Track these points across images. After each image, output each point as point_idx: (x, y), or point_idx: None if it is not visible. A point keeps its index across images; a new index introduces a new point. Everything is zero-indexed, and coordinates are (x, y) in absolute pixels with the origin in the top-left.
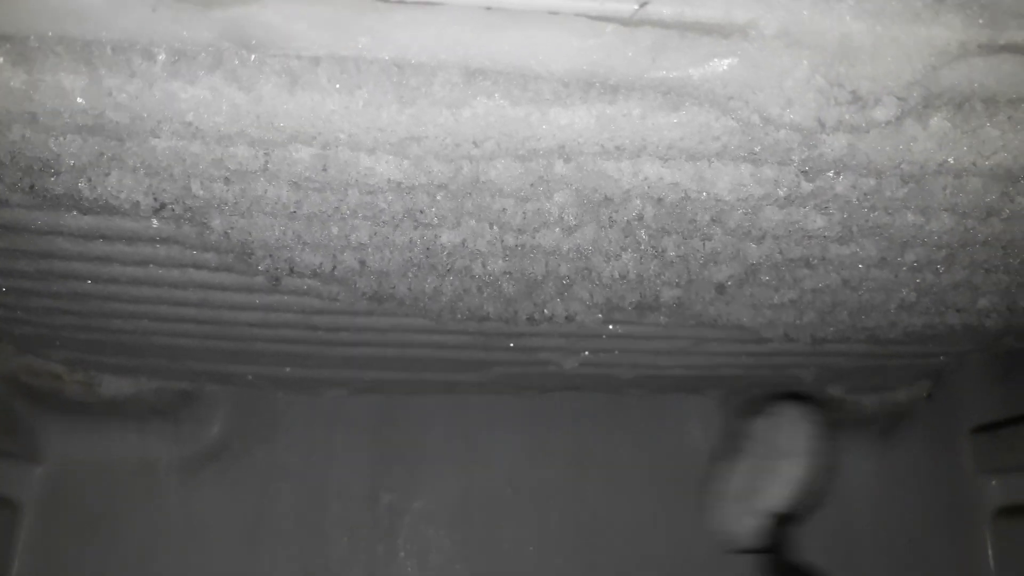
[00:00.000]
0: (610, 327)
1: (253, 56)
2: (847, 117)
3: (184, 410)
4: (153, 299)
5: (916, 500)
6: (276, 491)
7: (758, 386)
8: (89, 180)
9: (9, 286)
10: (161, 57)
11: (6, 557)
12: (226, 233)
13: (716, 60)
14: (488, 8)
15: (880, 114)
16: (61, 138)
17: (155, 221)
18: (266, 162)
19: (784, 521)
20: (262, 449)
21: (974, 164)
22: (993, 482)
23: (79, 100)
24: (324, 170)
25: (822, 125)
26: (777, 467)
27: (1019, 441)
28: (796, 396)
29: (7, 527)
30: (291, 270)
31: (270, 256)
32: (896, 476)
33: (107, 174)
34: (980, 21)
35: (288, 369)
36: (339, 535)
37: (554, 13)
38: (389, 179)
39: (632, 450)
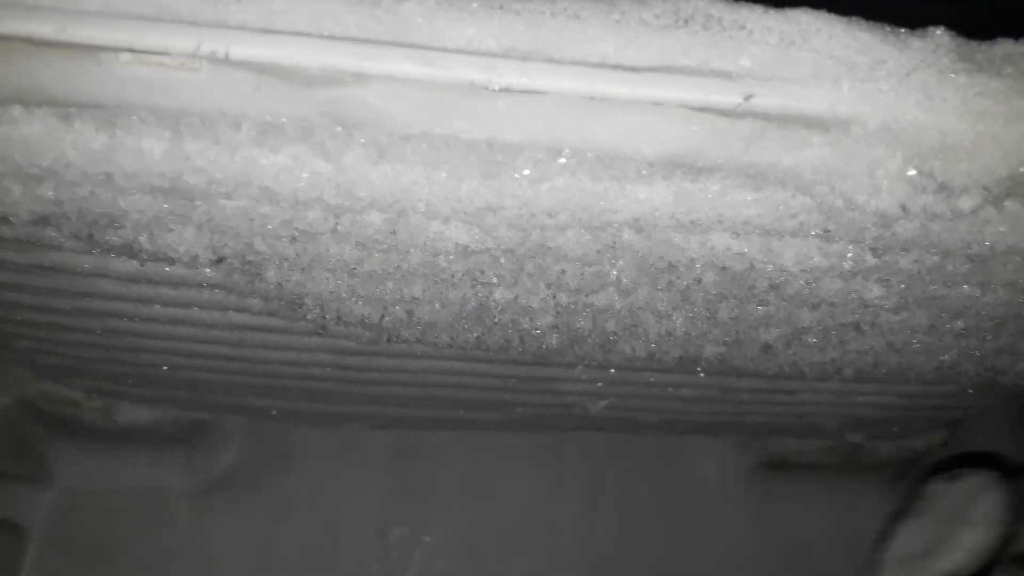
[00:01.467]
0: (650, 377)
1: (342, 129)
2: (932, 206)
3: (198, 439)
4: (188, 338)
5: None
6: (287, 522)
7: (780, 432)
8: (151, 234)
9: (44, 321)
10: (247, 127)
11: None
12: (279, 284)
13: (811, 149)
14: (592, 98)
15: (965, 203)
16: (132, 196)
17: (208, 270)
18: (336, 224)
19: None
20: (275, 480)
21: None
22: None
23: (158, 164)
24: (393, 233)
25: (905, 212)
26: (958, 534)
27: None
28: (984, 459)
29: (15, 552)
30: (339, 319)
31: (320, 307)
32: None
33: (170, 230)
34: None
35: (311, 403)
36: (349, 568)
37: (658, 104)
38: (457, 243)
39: (645, 488)
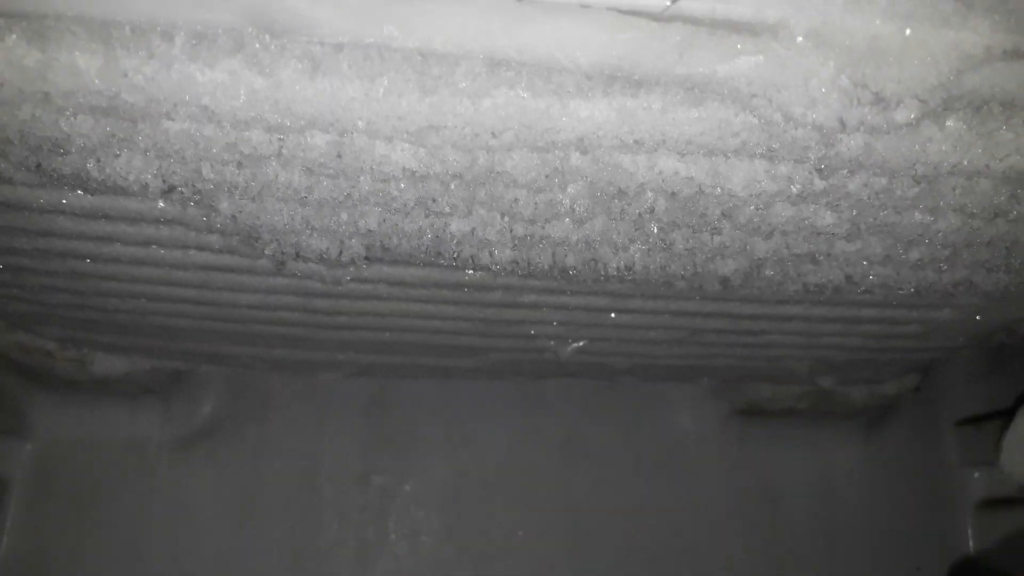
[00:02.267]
0: (612, 315)
1: (274, 41)
2: (868, 118)
3: (176, 389)
4: (152, 279)
5: (901, 491)
6: (267, 471)
7: (752, 377)
8: (98, 161)
9: (5, 263)
10: (180, 39)
11: None
12: (234, 216)
13: (743, 58)
14: (519, 0)
15: (900, 116)
16: (73, 118)
17: (161, 202)
18: (280, 147)
19: None
20: (253, 429)
21: (987, 166)
22: (976, 474)
23: (94, 81)
24: (339, 157)
25: (843, 125)
26: None
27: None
28: None
29: None
30: (297, 255)
31: (276, 240)
32: (881, 466)
33: (117, 155)
34: (1007, 26)
35: (284, 351)
36: (329, 516)
37: (586, 7)
38: (404, 167)
39: (622, 436)
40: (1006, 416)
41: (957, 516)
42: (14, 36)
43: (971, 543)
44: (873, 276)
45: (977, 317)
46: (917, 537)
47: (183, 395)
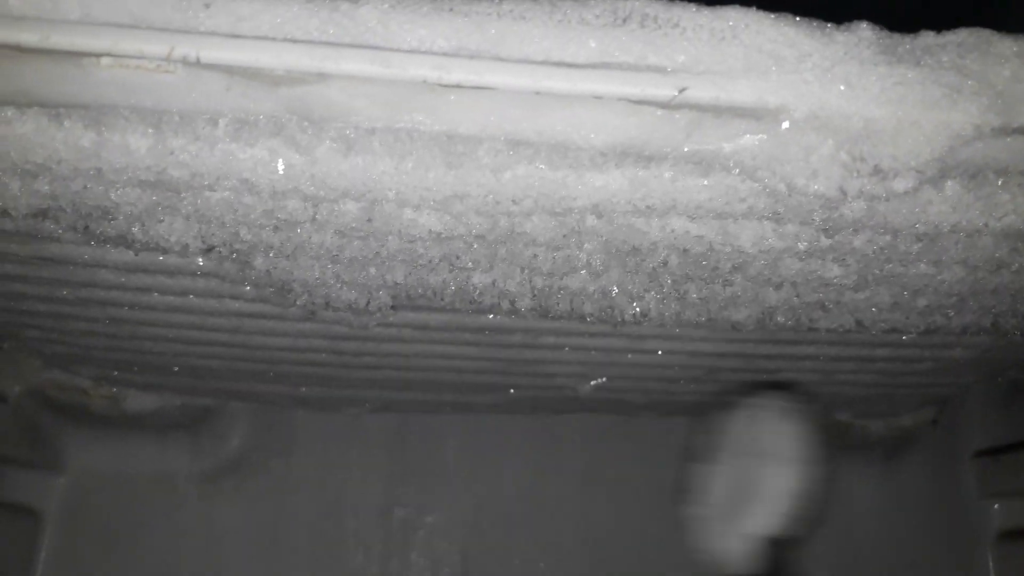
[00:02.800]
0: (628, 356)
1: (312, 126)
2: (868, 188)
3: (204, 424)
4: (187, 325)
5: (920, 523)
6: (292, 505)
7: None
8: (143, 225)
9: (48, 311)
10: (223, 123)
11: (29, 565)
12: (268, 272)
13: (747, 136)
14: (537, 93)
15: (899, 185)
16: (122, 190)
17: (200, 259)
18: (314, 214)
19: (778, 544)
20: (279, 463)
21: (986, 225)
22: (995, 506)
23: (144, 159)
24: (369, 221)
25: (844, 194)
26: (762, 477)
27: (1021, 466)
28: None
29: (30, 536)
30: (327, 305)
31: (308, 292)
32: (900, 499)
33: (160, 220)
34: (994, 108)
35: (310, 388)
36: (353, 549)
37: (599, 97)
38: (430, 230)
39: (640, 470)
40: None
41: (977, 548)
42: (72, 120)
43: (992, 575)
44: (883, 322)
45: (987, 355)
46: (938, 570)
47: (211, 430)
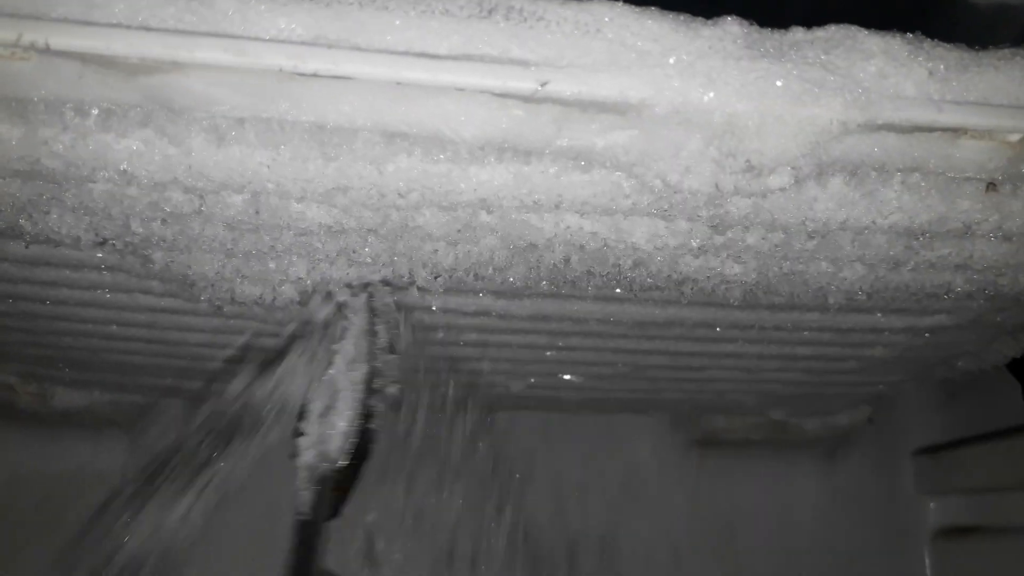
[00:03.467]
0: (548, 353)
1: (178, 116)
2: (743, 184)
3: (138, 422)
4: (102, 319)
5: (858, 520)
6: (230, 503)
7: (705, 409)
8: (30, 217)
9: None
10: (93, 112)
11: None
12: (167, 265)
13: (617, 131)
14: (398, 84)
15: (775, 182)
16: (0, 180)
17: (98, 252)
18: (200, 205)
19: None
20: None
21: (874, 222)
22: (932, 504)
23: (15, 149)
24: (256, 213)
25: (720, 191)
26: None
27: (958, 464)
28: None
29: None
30: (232, 299)
31: (211, 286)
32: (839, 497)
33: (47, 212)
34: (859, 103)
35: None
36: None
37: (460, 89)
38: (320, 223)
39: (581, 467)
40: (961, 446)
41: (915, 545)
42: None
43: (928, 572)
44: (793, 319)
45: (909, 354)
46: (875, 566)
47: (145, 428)
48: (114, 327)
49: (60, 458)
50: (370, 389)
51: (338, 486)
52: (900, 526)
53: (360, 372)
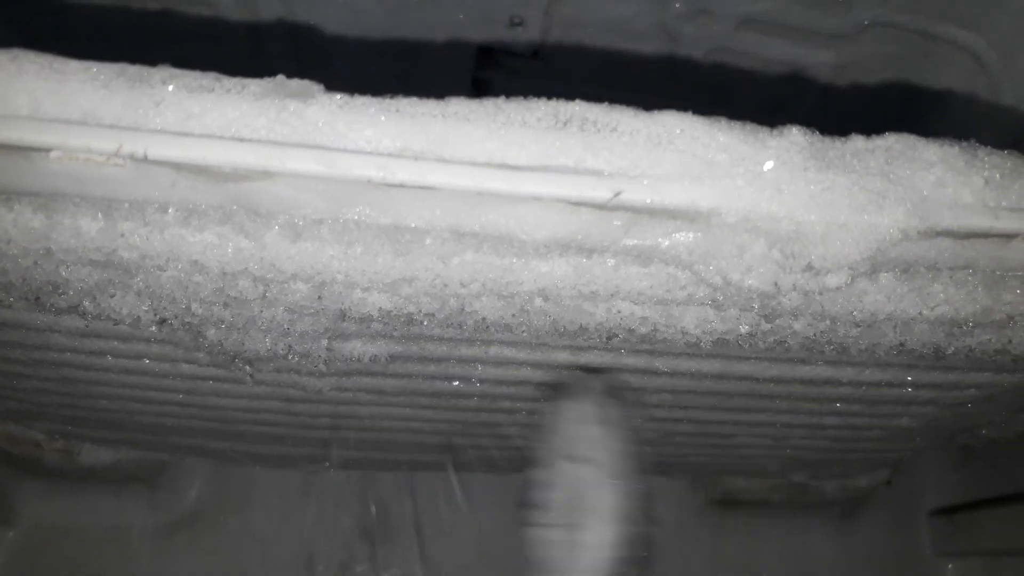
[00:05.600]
0: None
1: (260, 218)
2: (801, 283)
3: (160, 478)
4: (141, 386)
5: None
6: (248, 561)
7: (726, 471)
8: (94, 299)
9: (1, 369)
10: (172, 211)
11: None
12: (220, 342)
13: (682, 234)
14: (479, 193)
15: (832, 281)
16: (72, 267)
17: (153, 328)
18: (264, 292)
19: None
20: (236, 519)
21: (920, 314)
22: (950, 565)
23: (94, 240)
24: (319, 299)
25: (778, 288)
26: (586, 486)
27: (975, 526)
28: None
29: None
30: (278, 372)
31: (261, 361)
32: (856, 557)
33: (112, 295)
34: (919, 213)
35: (267, 446)
36: None
37: (538, 198)
38: (380, 308)
39: None
40: (979, 508)
41: None
42: (21, 204)
43: None
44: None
45: (935, 423)
46: None
47: (168, 484)
48: (151, 392)
49: (83, 512)
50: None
51: None
52: None
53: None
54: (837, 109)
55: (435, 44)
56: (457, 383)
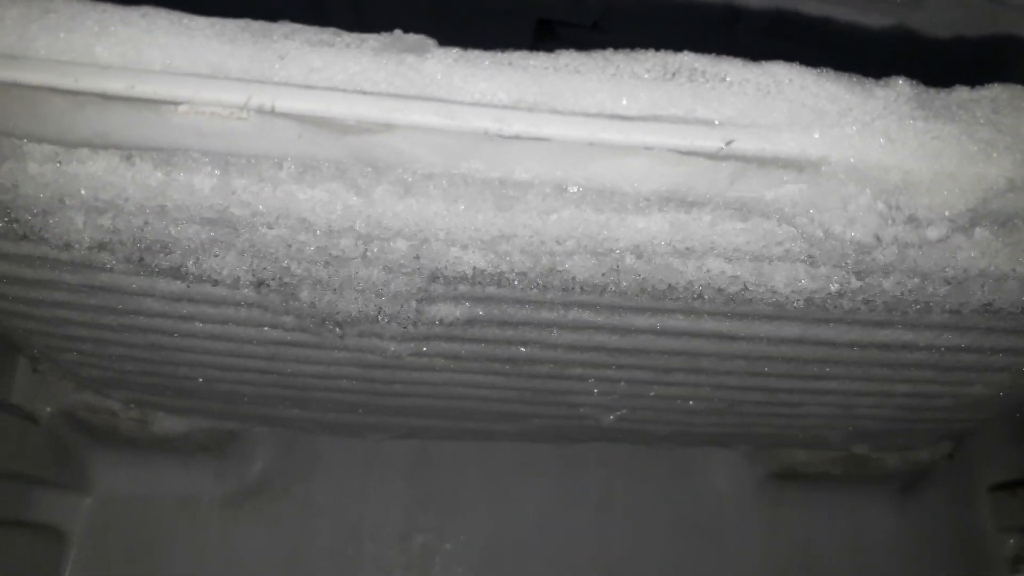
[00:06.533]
0: (653, 389)
1: (372, 170)
2: (902, 235)
3: (228, 448)
4: (224, 352)
5: (935, 555)
6: (313, 529)
7: (787, 443)
8: (197, 259)
9: (90, 336)
10: (288, 165)
11: None
12: (312, 303)
13: (789, 186)
14: (591, 144)
15: (932, 233)
16: (182, 225)
17: (246, 290)
18: (365, 251)
19: None
20: (301, 488)
21: (1013, 270)
22: (1011, 540)
23: (207, 197)
24: (417, 258)
25: (880, 241)
26: None
27: None
28: None
29: (56, 556)
30: (361, 337)
31: (350, 323)
32: (916, 531)
33: (215, 255)
34: None
35: (337, 415)
36: (373, 574)
37: (649, 148)
38: (475, 267)
39: (659, 499)
40: None
41: None
42: (143, 160)
43: None
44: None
45: (1008, 392)
46: None
47: (235, 454)
48: (233, 359)
49: (154, 481)
50: None
51: None
52: (978, 562)
53: None
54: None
55: (493, 16)
56: (533, 349)
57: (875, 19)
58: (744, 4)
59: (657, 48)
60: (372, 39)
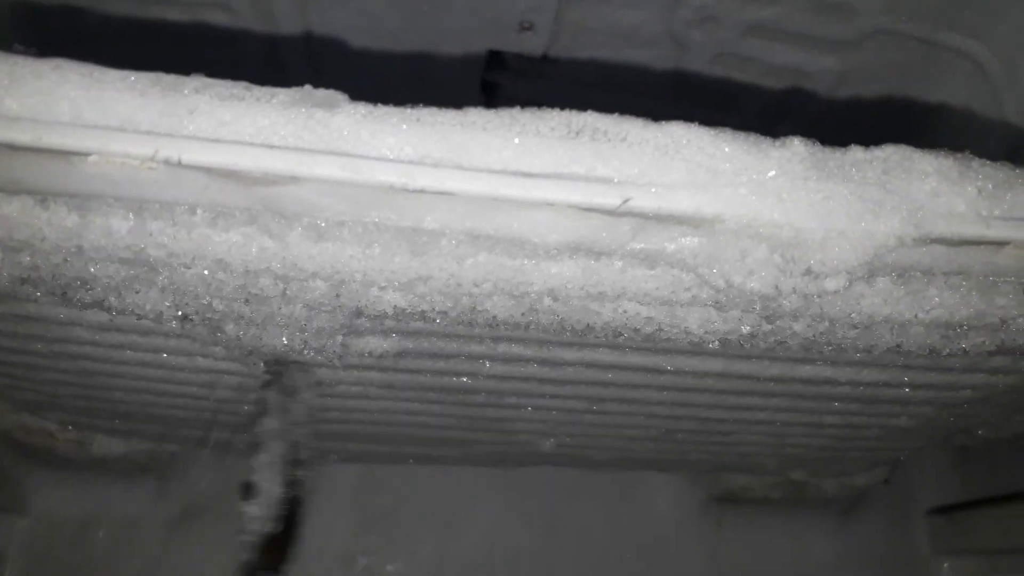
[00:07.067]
0: (587, 417)
1: (284, 219)
2: (801, 286)
3: (170, 469)
4: (157, 379)
5: None
6: None
7: (726, 468)
8: (119, 295)
9: (20, 361)
10: (201, 211)
11: None
12: (238, 337)
13: (687, 239)
14: (495, 199)
15: (830, 285)
16: (100, 264)
17: (173, 323)
18: (284, 290)
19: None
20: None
21: (915, 316)
22: (946, 564)
23: (124, 238)
24: (337, 296)
25: (779, 291)
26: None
27: (973, 525)
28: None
29: None
30: (295, 367)
31: (276, 357)
32: (855, 555)
33: (137, 291)
34: (914, 221)
35: None
36: None
37: (551, 204)
38: (395, 306)
39: (603, 521)
40: (975, 507)
41: None
42: (57, 204)
43: None
44: (829, 393)
45: (933, 423)
46: None
47: (177, 475)
48: (168, 385)
49: (93, 502)
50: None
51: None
52: None
53: None
54: (840, 115)
55: (446, 48)
56: (465, 379)
57: (816, 59)
58: (687, 39)
59: (603, 81)
60: (282, 93)
